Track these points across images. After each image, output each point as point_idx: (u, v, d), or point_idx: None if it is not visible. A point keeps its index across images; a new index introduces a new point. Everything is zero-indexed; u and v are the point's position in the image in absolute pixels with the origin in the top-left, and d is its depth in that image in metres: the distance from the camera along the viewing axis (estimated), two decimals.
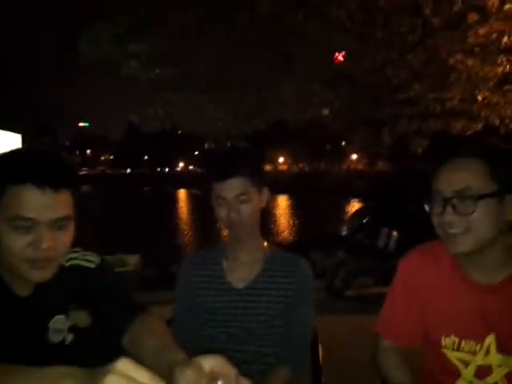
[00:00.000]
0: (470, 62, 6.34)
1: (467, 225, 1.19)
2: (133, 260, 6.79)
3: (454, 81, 6.68)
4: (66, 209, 1.13)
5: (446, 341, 1.31)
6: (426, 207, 1.28)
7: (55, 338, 1.26)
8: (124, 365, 0.65)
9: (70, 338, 1.30)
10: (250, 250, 1.62)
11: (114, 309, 1.26)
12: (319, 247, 5.74)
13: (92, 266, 1.31)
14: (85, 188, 60.45)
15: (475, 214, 1.17)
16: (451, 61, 6.35)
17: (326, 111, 7.74)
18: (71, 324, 1.30)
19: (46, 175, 1.08)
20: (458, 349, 1.30)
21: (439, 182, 1.24)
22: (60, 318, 1.27)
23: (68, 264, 1.29)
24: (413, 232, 5.36)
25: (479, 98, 6.77)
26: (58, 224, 1.11)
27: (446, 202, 1.21)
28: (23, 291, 1.21)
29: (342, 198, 24.48)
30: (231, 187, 1.51)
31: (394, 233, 5.47)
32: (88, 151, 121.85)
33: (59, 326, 1.27)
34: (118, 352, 1.17)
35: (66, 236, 1.16)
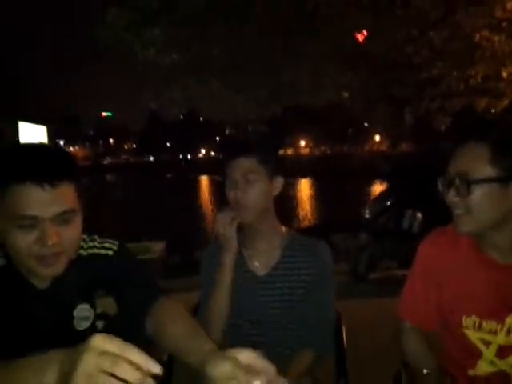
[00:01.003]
0: (495, 37, 6.15)
1: (467, 207, 1.23)
2: (157, 247, 6.90)
3: (478, 58, 6.49)
4: (68, 202, 1.12)
5: (467, 321, 1.32)
6: (439, 187, 1.31)
7: (82, 325, 1.29)
8: (99, 340, 0.69)
9: (100, 325, 1.32)
10: (268, 237, 1.63)
11: (135, 292, 1.28)
12: (342, 230, 5.73)
13: (110, 253, 1.32)
14: (109, 177, 61.41)
15: (473, 197, 1.21)
16: (476, 37, 6.16)
17: (345, 94, 7.63)
18: (100, 311, 1.32)
19: (44, 171, 1.08)
20: (479, 329, 1.30)
21: (449, 164, 1.28)
22: (84, 307, 1.29)
23: (86, 253, 1.30)
24: (437, 213, 5.27)
25: (504, 74, 6.57)
26: (61, 218, 1.11)
27: (450, 183, 1.26)
28: (41, 284, 1.23)
29: (365, 181, 24.21)
30: (238, 166, 1.52)
31: (419, 214, 5.40)
32: (111, 140, 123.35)
33: (85, 314, 1.29)
34: (142, 337, 1.20)
35: (72, 229, 1.16)
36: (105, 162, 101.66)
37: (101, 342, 0.69)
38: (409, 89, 7.06)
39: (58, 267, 1.16)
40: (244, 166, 1.51)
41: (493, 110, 7.47)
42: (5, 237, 1.11)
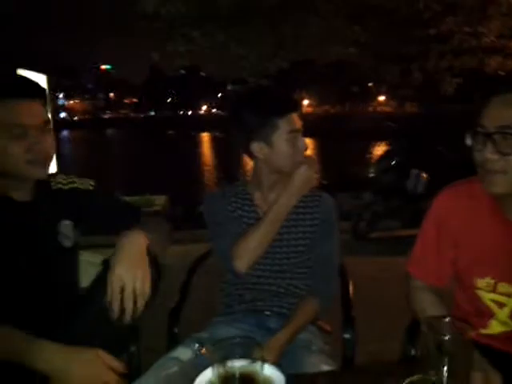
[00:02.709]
0: None
1: (506, 165, 1.14)
2: (160, 200, 6.89)
3: (491, 14, 6.27)
4: (46, 114, 1.34)
5: (481, 282, 1.28)
6: (468, 142, 1.22)
7: (66, 242, 1.41)
8: None
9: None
10: (277, 189, 1.61)
11: (118, 219, 1.45)
12: (345, 190, 5.70)
13: (90, 187, 1.49)
14: (109, 131, 61.00)
15: None
16: None
17: (352, 50, 7.41)
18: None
19: (30, 88, 1.31)
20: (494, 291, 1.27)
21: (484, 117, 1.17)
22: (67, 223, 1.41)
23: (67, 187, 1.46)
24: (442, 175, 5.25)
25: None
26: (45, 128, 1.32)
27: (487, 138, 1.15)
28: (22, 196, 1.35)
29: (369, 141, 24.02)
30: (298, 120, 1.54)
31: (424, 175, 5.36)
32: (111, 94, 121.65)
33: (68, 232, 1.41)
34: None
35: (52, 137, 1.36)
36: (105, 117, 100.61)
37: None
38: (418, 45, 6.86)
39: (47, 169, 1.35)
40: (299, 120, 1.54)
41: (502, 72, 7.30)
42: None
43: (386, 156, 6.04)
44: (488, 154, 1.15)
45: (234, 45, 6.77)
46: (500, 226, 1.26)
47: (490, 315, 1.30)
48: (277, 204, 1.52)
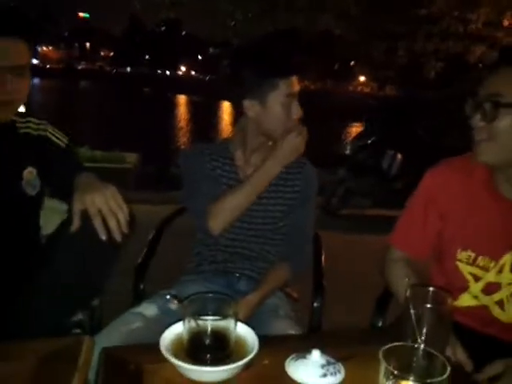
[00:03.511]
0: None
1: (492, 133, 1.15)
2: (132, 158, 6.75)
3: (481, 1, 6.27)
4: (23, 57, 1.24)
5: (462, 254, 1.30)
6: (467, 111, 1.21)
7: (29, 190, 1.35)
8: None
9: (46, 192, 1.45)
10: (262, 152, 1.57)
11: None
12: (321, 165, 5.71)
13: (62, 145, 1.43)
14: (83, 83, 59.03)
15: (500, 122, 1.13)
16: None
17: (341, 22, 7.30)
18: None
19: (9, 23, 1.20)
20: (473, 264, 1.29)
21: (480, 86, 1.19)
22: (32, 170, 1.35)
23: (36, 133, 1.38)
24: (417, 157, 5.30)
25: (506, 23, 6.41)
26: (16, 71, 1.22)
27: (477, 105, 1.17)
28: None
29: (347, 120, 24.09)
30: (297, 84, 1.49)
31: (399, 156, 5.40)
32: (87, 44, 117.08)
33: (33, 180, 1.36)
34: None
35: (25, 83, 1.27)
36: (79, 67, 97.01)
37: None
38: (407, 24, 6.81)
39: (10, 113, 1.28)
40: (296, 83, 1.48)
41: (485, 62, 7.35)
42: None
43: (363, 134, 6.04)
44: (475, 121, 1.17)
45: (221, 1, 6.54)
46: (490, 201, 1.27)
47: (463, 288, 1.31)
48: (262, 169, 1.48)
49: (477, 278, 1.29)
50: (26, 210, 1.37)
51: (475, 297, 1.31)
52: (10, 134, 1.33)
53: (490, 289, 1.28)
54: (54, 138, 1.42)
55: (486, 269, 1.28)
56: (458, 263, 1.31)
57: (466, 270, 1.30)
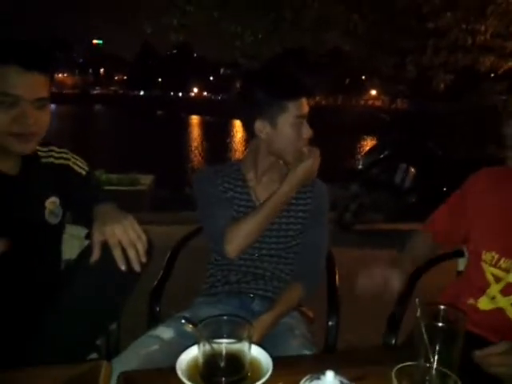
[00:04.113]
0: None
1: None
2: (147, 180, 6.83)
3: (490, 13, 6.27)
4: (46, 90, 1.28)
5: (487, 255, 1.34)
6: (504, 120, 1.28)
7: (52, 219, 1.37)
8: None
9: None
10: (274, 172, 1.60)
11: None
12: (334, 180, 5.72)
13: (83, 172, 1.45)
14: (97, 107, 60.11)
15: None
16: None
17: (349, 38, 7.34)
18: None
19: (33, 58, 1.23)
20: (495, 265, 1.33)
21: None
22: (55, 200, 1.38)
23: (58, 162, 1.41)
24: (430, 171, 5.28)
25: None
26: (40, 103, 1.26)
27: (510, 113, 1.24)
28: (10, 169, 1.31)
29: (359, 134, 24.04)
30: (306, 105, 1.52)
31: (412, 169, 5.37)
32: (101, 70, 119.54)
33: (55, 209, 1.38)
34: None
35: (46, 115, 1.30)
36: (94, 92, 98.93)
37: None
38: (415, 39, 6.84)
39: (32, 145, 1.30)
40: (305, 105, 1.51)
41: (495, 72, 7.32)
42: None
43: (375, 149, 6.04)
44: (509, 129, 1.22)
45: (230, 22, 6.65)
46: None
47: (483, 289, 1.35)
48: (277, 194, 1.49)
49: (497, 279, 1.32)
50: (48, 239, 1.39)
51: (493, 298, 1.33)
52: (33, 163, 1.36)
53: (509, 290, 1.31)
54: (75, 167, 1.44)
55: (507, 270, 1.31)
56: (483, 264, 1.35)
57: (488, 270, 1.34)
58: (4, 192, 1.27)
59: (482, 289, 1.34)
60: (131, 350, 1.27)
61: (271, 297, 1.53)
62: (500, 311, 1.32)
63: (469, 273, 1.43)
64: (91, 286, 1.21)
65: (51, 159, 1.41)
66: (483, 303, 1.34)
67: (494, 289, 1.32)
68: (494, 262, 1.32)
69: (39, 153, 1.40)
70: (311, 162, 1.50)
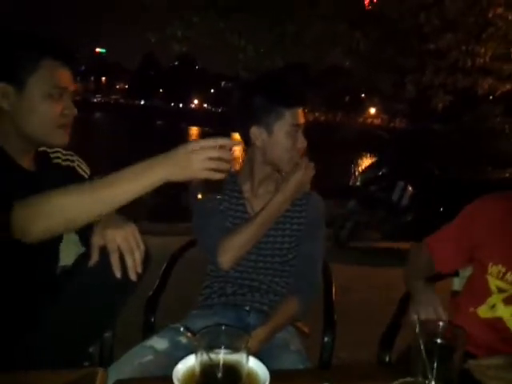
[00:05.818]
0: (510, 16, 6.01)
1: None
2: None
3: (489, 35, 6.37)
4: (74, 84, 1.34)
5: (493, 268, 1.35)
6: None
7: None
8: (190, 145, 1.17)
9: None
10: (268, 183, 1.62)
11: None
12: (331, 197, 5.72)
13: (86, 176, 1.47)
14: (97, 115, 60.26)
15: None
16: (490, 13, 6.02)
17: (350, 56, 7.44)
18: None
19: (67, 53, 1.30)
20: (502, 278, 1.33)
21: None
22: None
23: (64, 164, 1.43)
24: (428, 189, 5.29)
25: None
26: (73, 96, 1.32)
27: None
28: (28, 165, 1.32)
29: (357, 152, 24.13)
30: (302, 115, 1.54)
31: (410, 188, 5.38)
32: (103, 78, 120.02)
33: None
34: None
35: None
36: (94, 100, 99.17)
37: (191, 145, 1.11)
38: (414, 59, 6.92)
39: (68, 137, 1.34)
40: (301, 114, 1.53)
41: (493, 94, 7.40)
42: (28, 114, 1.24)
43: (373, 166, 6.06)
44: None
45: (233, 34, 6.71)
46: None
47: (484, 298, 1.35)
48: (270, 205, 1.50)
49: (501, 291, 1.33)
50: (49, 239, 1.38)
51: (493, 306, 1.33)
52: (45, 162, 1.37)
53: (510, 300, 1.31)
54: (80, 170, 1.45)
55: (511, 283, 1.31)
56: (488, 276, 1.35)
57: (494, 283, 1.34)
58: (24, 186, 1.25)
59: (484, 297, 1.35)
60: (125, 360, 1.26)
61: (267, 310, 1.52)
62: (498, 321, 1.32)
63: (472, 285, 1.44)
64: (84, 294, 1.20)
65: (59, 160, 1.42)
66: (482, 311, 1.35)
67: (496, 298, 1.33)
68: (500, 276, 1.33)
69: (48, 153, 1.40)
70: (302, 174, 1.51)
